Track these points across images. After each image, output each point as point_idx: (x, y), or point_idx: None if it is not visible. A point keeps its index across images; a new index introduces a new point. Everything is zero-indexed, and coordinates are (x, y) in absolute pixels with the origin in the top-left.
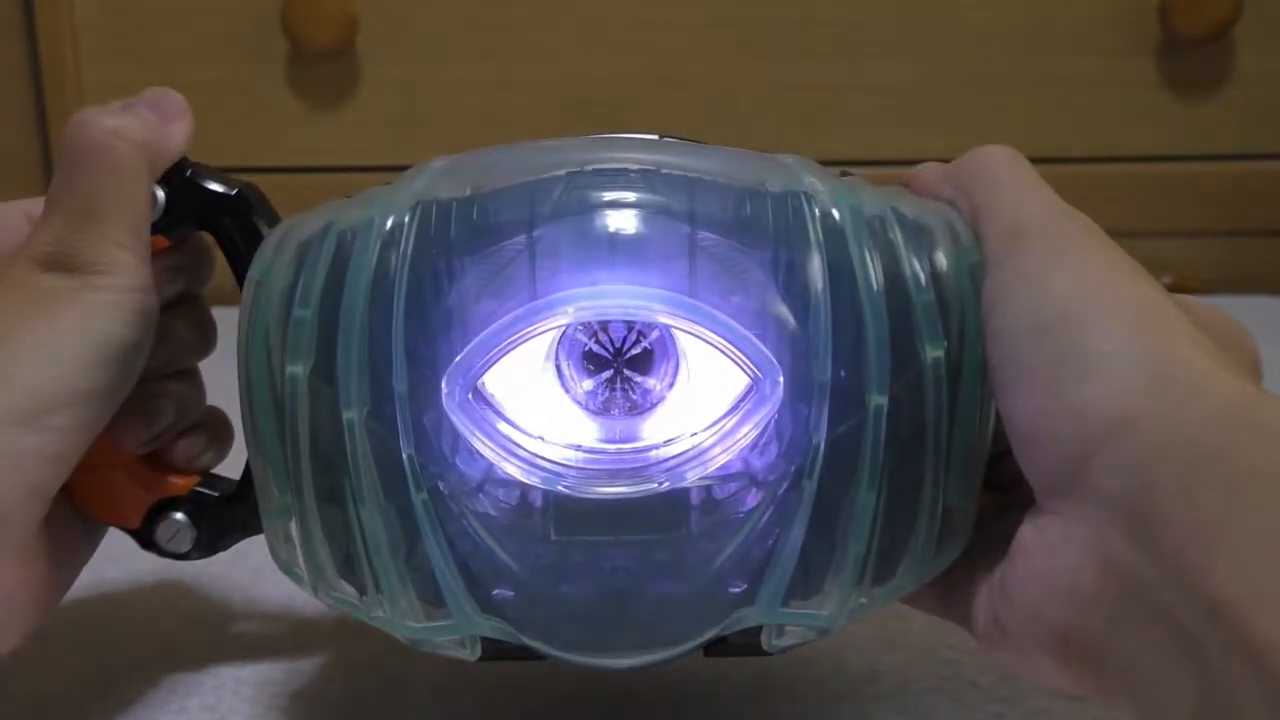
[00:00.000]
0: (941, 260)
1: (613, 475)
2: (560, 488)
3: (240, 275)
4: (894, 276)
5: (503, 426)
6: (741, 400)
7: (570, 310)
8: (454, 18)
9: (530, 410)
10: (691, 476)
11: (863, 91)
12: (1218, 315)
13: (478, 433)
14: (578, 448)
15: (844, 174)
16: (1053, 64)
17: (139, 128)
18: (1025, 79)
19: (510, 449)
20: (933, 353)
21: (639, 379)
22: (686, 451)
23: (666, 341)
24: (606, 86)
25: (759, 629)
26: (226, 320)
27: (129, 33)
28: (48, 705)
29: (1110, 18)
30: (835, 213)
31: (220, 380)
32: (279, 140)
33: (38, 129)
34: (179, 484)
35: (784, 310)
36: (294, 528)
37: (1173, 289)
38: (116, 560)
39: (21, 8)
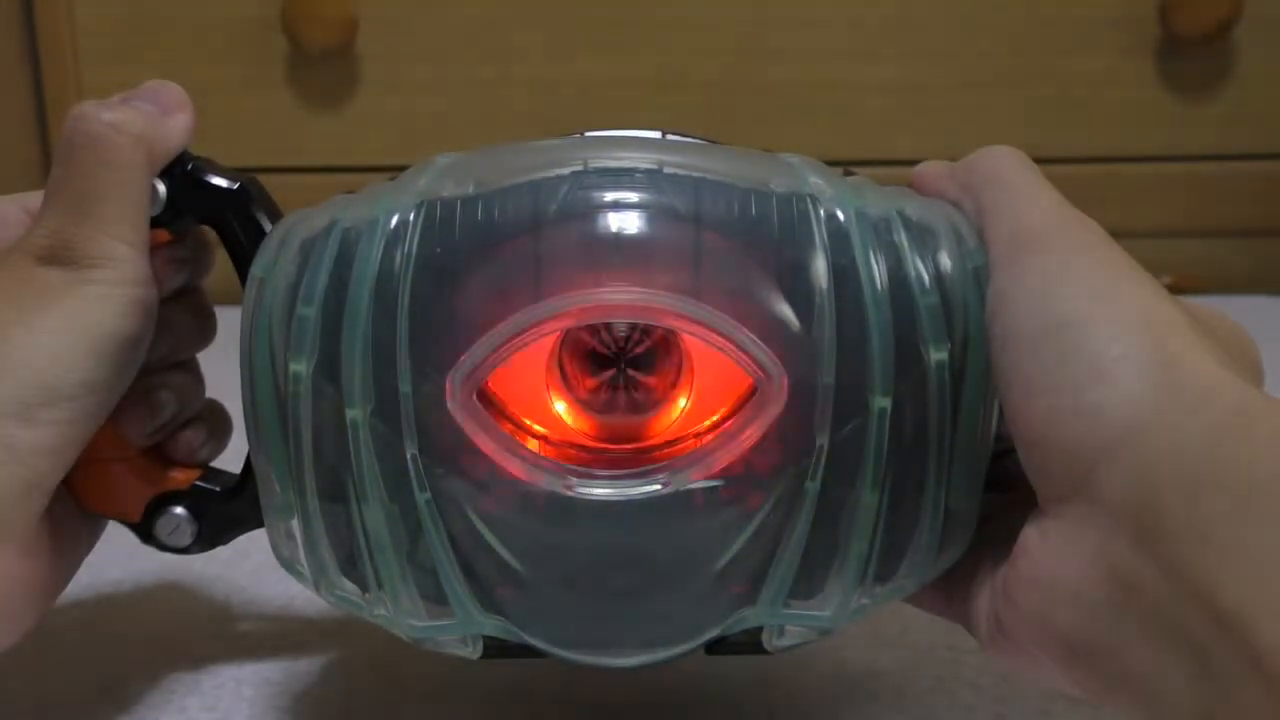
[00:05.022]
0: (946, 262)
1: (616, 476)
2: (563, 488)
3: (241, 269)
4: (898, 278)
5: (506, 426)
6: (745, 401)
7: (575, 311)
8: (454, 18)
9: (533, 410)
10: (695, 478)
11: (863, 91)
12: (1221, 319)
13: (481, 433)
14: (580, 448)
15: (848, 174)
16: (1053, 64)
17: (138, 121)
18: (1025, 79)
19: (513, 449)
20: (936, 355)
21: (641, 378)
22: (690, 453)
23: (669, 341)
24: (606, 86)
25: (760, 629)
26: (225, 318)
27: (129, 33)
28: (48, 705)
29: (1110, 18)
30: (840, 214)
31: (219, 377)
32: (279, 140)
33: (38, 128)
34: (179, 478)
35: (788, 311)
36: (296, 525)
37: (1173, 289)
38: (117, 560)
39: (21, 8)
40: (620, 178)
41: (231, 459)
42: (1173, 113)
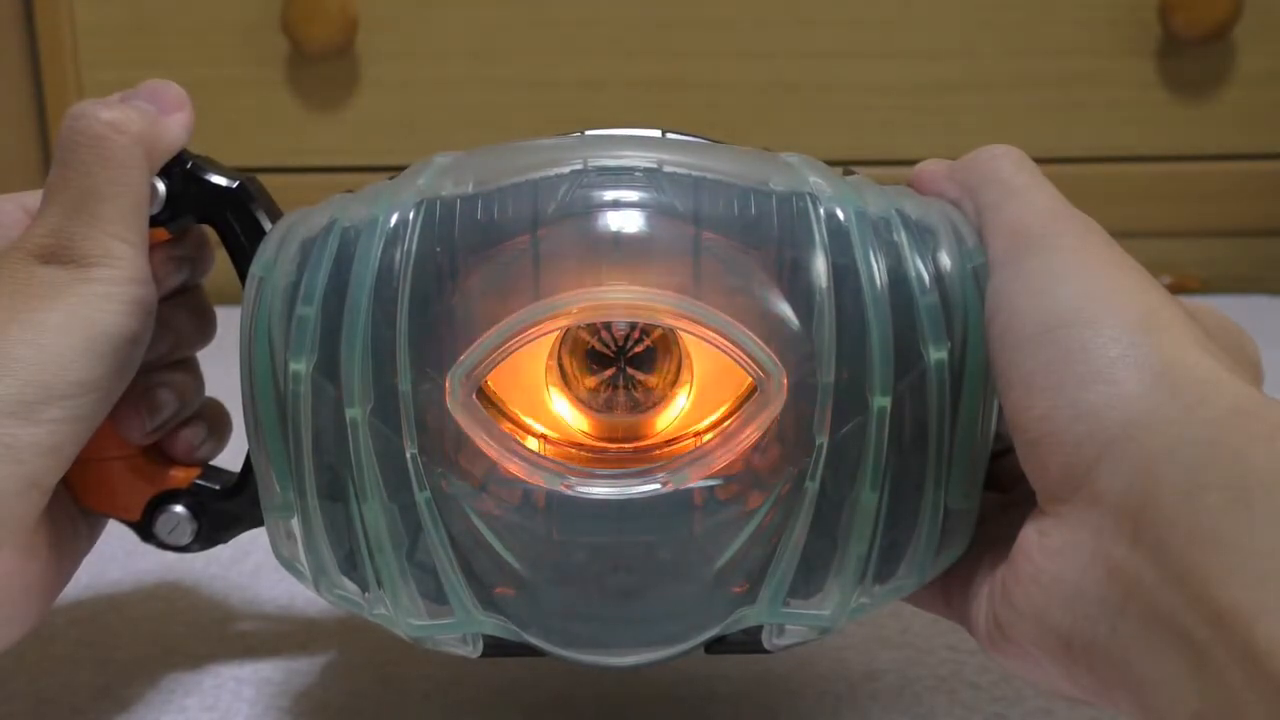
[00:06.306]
0: (945, 261)
1: (615, 475)
2: (562, 487)
3: (241, 268)
4: (898, 277)
5: (505, 425)
6: (745, 401)
7: (574, 311)
8: (454, 18)
9: (533, 409)
10: (694, 477)
11: (863, 91)
12: (1220, 319)
13: (480, 432)
14: (580, 447)
15: (847, 173)
16: (1053, 64)
17: (137, 120)
18: (1025, 79)
19: (513, 448)
20: (936, 354)
21: (641, 377)
22: (689, 452)
23: (669, 340)
24: (606, 86)
25: (760, 628)
26: (225, 318)
27: (129, 33)
28: (48, 705)
29: (1110, 18)
30: (840, 213)
31: (219, 376)
32: (279, 140)
33: (38, 129)
34: (179, 477)
35: (788, 311)
36: (296, 524)
37: (1173, 289)
38: (117, 560)
39: (21, 8)
40: (620, 176)
41: (231, 458)
42: (1173, 113)
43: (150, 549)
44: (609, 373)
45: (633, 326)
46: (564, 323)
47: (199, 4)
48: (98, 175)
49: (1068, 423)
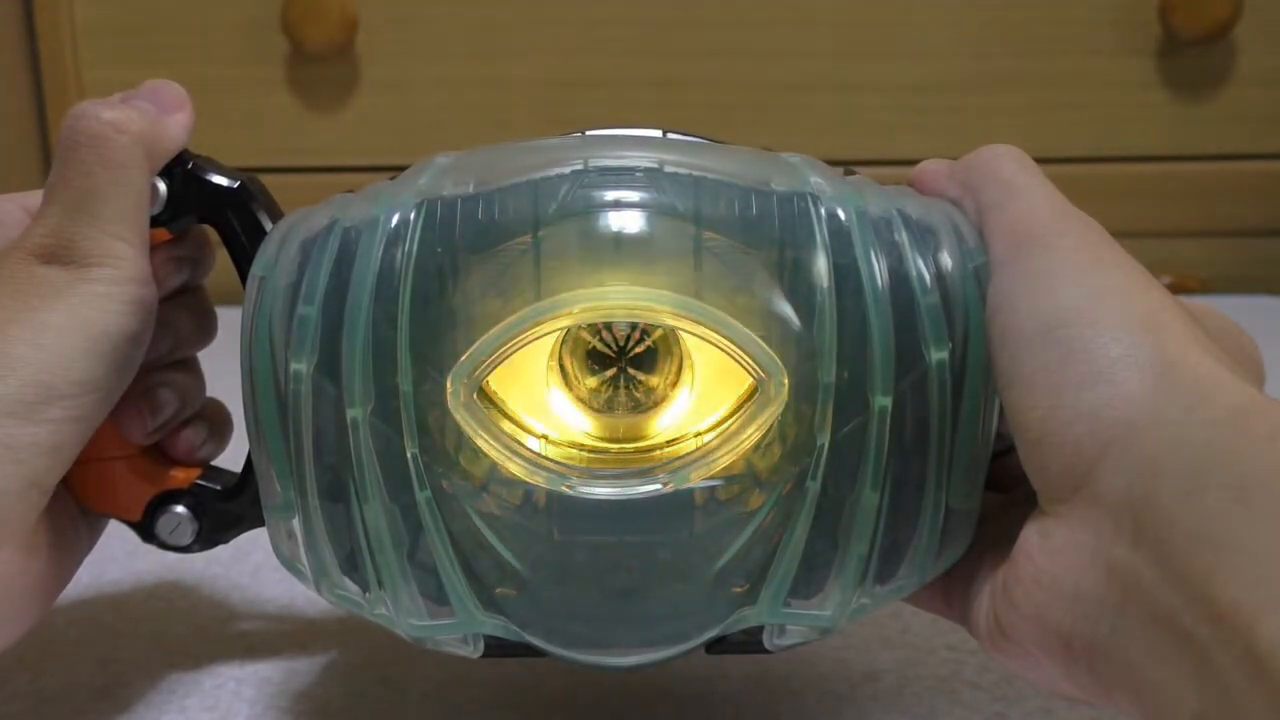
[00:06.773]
0: (946, 261)
1: (616, 475)
2: (563, 488)
3: (242, 267)
4: (899, 277)
5: (506, 425)
6: (746, 401)
7: (575, 311)
8: (453, 18)
9: (534, 409)
10: (695, 477)
11: (863, 91)
12: (1220, 319)
13: (481, 432)
14: (581, 447)
15: (848, 173)
16: (1053, 64)
17: (137, 120)
18: (1025, 79)
19: (514, 448)
20: (937, 354)
21: (642, 377)
22: (691, 452)
23: (670, 340)
24: (606, 86)
25: (760, 628)
26: (225, 318)
27: (129, 33)
28: (48, 705)
29: (1110, 18)
30: (841, 213)
31: (219, 376)
32: (279, 140)
33: (38, 129)
34: (180, 477)
35: (789, 311)
36: (297, 524)
37: (1173, 289)
38: (117, 560)
39: (21, 8)
40: (621, 176)
41: (232, 458)
42: (1173, 113)
43: (150, 549)
44: (610, 373)
45: (633, 327)
46: (565, 323)
47: (199, 4)
48: (98, 175)
49: (1069, 422)
